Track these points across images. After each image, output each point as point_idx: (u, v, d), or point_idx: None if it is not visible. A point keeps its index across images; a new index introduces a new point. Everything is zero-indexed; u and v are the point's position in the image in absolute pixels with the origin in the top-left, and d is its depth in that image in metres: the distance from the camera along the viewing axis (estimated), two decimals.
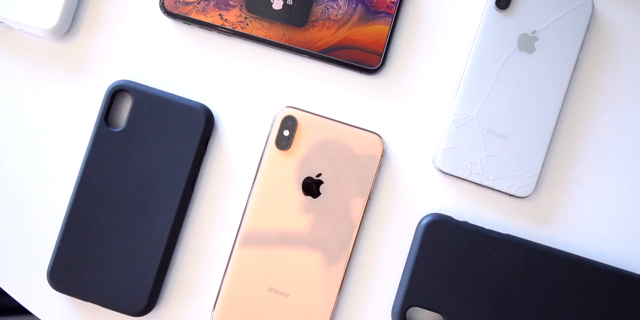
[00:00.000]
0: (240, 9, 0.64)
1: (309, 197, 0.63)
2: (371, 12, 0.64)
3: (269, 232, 0.63)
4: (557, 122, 0.63)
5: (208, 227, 0.65)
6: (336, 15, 0.64)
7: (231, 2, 0.64)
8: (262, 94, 0.66)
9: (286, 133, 0.63)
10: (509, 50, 0.63)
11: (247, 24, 0.64)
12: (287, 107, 0.64)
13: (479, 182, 0.63)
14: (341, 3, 0.64)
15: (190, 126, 0.64)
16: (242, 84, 0.66)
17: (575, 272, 0.62)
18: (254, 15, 0.64)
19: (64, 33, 0.66)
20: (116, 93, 0.65)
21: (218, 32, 0.65)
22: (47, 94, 0.66)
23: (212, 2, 0.64)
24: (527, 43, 0.63)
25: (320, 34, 0.64)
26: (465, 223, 0.63)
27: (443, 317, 0.62)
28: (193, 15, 0.64)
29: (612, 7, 0.65)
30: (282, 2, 0.64)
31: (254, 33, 0.64)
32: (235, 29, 0.64)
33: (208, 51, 0.66)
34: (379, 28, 0.64)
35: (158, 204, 0.63)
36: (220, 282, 0.64)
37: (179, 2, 0.64)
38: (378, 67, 0.64)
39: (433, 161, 0.64)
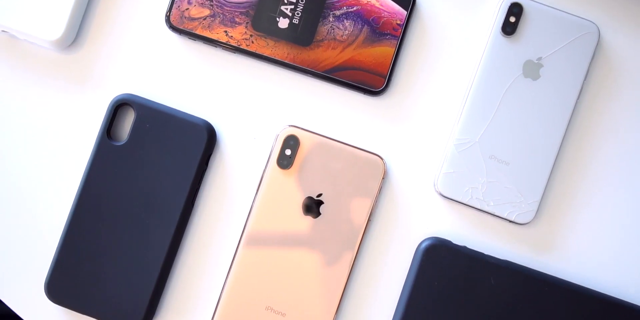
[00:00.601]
0: (246, 27, 0.64)
1: (309, 217, 0.63)
2: (377, 34, 0.64)
3: (268, 251, 0.63)
4: (559, 149, 0.63)
5: (207, 243, 0.65)
6: (342, 36, 0.64)
7: (237, 20, 0.64)
8: (265, 112, 0.66)
9: (288, 152, 0.63)
10: (513, 76, 0.63)
11: (253, 42, 0.64)
12: (289, 126, 0.64)
13: (479, 208, 0.63)
14: (347, 24, 0.64)
15: (193, 142, 0.64)
16: (246, 101, 0.66)
17: (573, 300, 0.62)
18: (260, 33, 0.64)
19: (69, 44, 0.66)
20: (119, 107, 0.65)
21: (223, 49, 0.65)
22: (50, 104, 0.66)
23: (218, 18, 0.64)
24: (532, 69, 0.63)
25: (325, 54, 0.64)
26: (464, 248, 0.63)
27: None
28: (198, 31, 0.64)
29: (618, 35, 0.65)
30: (288, 21, 0.64)
31: (259, 51, 0.64)
32: (240, 47, 0.64)
33: (212, 67, 0.66)
34: (384, 50, 0.64)
35: (158, 218, 0.63)
36: (217, 298, 0.64)
37: (185, 17, 0.64)
38: (382, 89, 0.64)
39: (434, 185, 0.64)
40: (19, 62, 0.67)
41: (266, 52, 0.64)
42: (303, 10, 0.64)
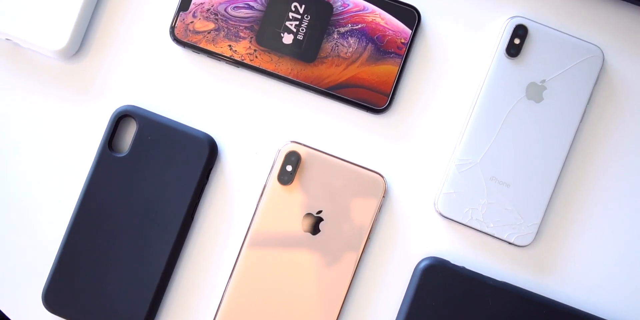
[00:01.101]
0: (250, 42, 0.64)
1: (308, 234, 0.63)
2: (381, 52, 0.64)
3: (267, 266, 0.63)
4: (560, 172, 0.63)
5: (205, 256, 0.65)
6: (346, 53, 0.64)
7: (241, 34, 0.64)
8: (267, 127, 0.66)
9: (289, 168, 0.63)
10: (516, 98, 0.63)
11: (256, 57, 0.64)
12: (291, 142, 0.64)
13: (479, 229, 0.63)
14: (351, 41, 0.64)
15: (194, 156, 0.64)
16: (248, 115, 0.66)
17: None
18: (264, 48, 0.64)
19: (73, 54, 0.66)
20: (121, 118, 0.65)
21: (226, 63, 0.65)
22: (53, 114, 0.66)
23: (223, 32, 0.64)
24: (535, 92, 0.63)
25: (329, 71, 0.64)
26: (463, 268, 0.62)
27: None
28: (202, 45, 0.64)
29: (622, 59, 0.65)
30: (292, 37, 0.64)
31: (263, 66, 0.64)
32: (244, 61, 0.64)
33: (216, 80, 0.66)
34: (388, 68, 0.64)
35: (157, 231, 0.63)
36: (215, 311, 0.64)
37: (189, 30, 0.64)
38: (385, 107, 0.64)
39: (434, 204, 0.64)
40: (22, 70, 0.67)
41: (270, 68, 0.64)
42: (308, 27, 0.64)
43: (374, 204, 0.63)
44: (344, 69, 0.64)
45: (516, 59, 0.63)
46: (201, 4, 0.64)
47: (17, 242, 0.66)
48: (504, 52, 0.63)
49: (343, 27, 0.64)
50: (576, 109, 0.63)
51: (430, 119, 0.65)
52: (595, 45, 0.63)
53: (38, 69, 0.67)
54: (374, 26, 0.64)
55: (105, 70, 0.67)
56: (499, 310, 0.62)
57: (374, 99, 0.64)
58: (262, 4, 0.64)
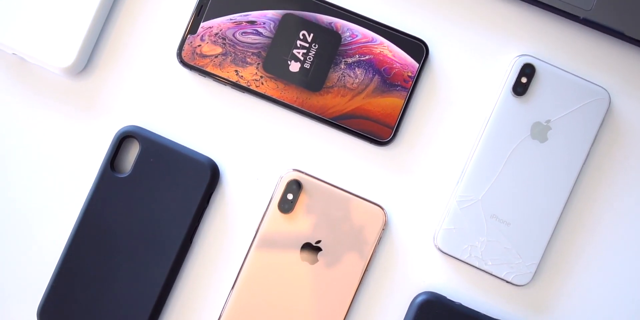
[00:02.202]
0: (257, 68, 0.64)
1: (306, 263, 0.63)
2: (387, 84, 0.64)
3: (263, 294, 0.63)
4: (561, 213, 0.63)
5: (203, 280, 0.65)
6: (352, 84, 0.64)
7: (248, 60, 0.64)
8: (270, 153, 0.66)
9: (290, 197, 0.63)
10: (521, 136, 0.63)
11: (262, 83, 0.64)
12: (293, 170, 0.64)
13: (477, 266, 0.63)
14: (358, 72, 0.64)
15: (195, 180, 0.63)
16: (252, 140, 0.66)
17: None
18: (270, 75, 0.64)
19: (79, 72, 0.66)
20: (124, 139, 0.64)
21: (232, 88, 0.65)
22: (56, 130, 0.66)
23: (230, 57, 0.64)
24: (540, 132, 0.63)
25: (334, 101, 0.64)
26: (459, 305, 0.62)
27: None
28: (209, 69, 0.64)
29: (629, 103, 0.65)
30: (299, 65, 0.64)
31: (268, 93, 0.64)
32: (250, 87, 0.64)
33: (221, 104, 0.66)
34: (394, 101, 0.64)
35: (155, 253, 0.63)
36: None
37: (197, 53, 0.64)
38: (389, 140, 0.64)
39: (434, 239, 0.64)
40: (28, 84, 0.67)
41: (275, 95, 0.64)
42: (315, 55, 0.64)
43: (373, 236, 0.63)
44: (350, 100, 0.64)
45: (522, 98, 0.63)
46: (210, 28, 0.64)
47: (15, 257, 0.66)
48: (511, 90, 0.63)
49: (350, 57, 0.64)
50: (580, 151, 0.63)
51: (433, 153, 0.65)
52: (603, 88, 0.63)
53: (44, 84, 0.67)
54: (381, 58, 0.64)
55: (111, 88, 0.66)
56: None
57: (378, 131, 0.64)
58: (270, 31, 0.64)
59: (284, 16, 0.64)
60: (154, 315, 0.63)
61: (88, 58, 0.66)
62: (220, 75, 0.64)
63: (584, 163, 0.63)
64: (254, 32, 0.64)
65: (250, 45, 0.64)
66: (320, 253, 0.63)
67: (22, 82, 0.67)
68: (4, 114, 0.67)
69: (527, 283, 0.63)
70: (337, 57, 0.64)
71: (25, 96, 0.66)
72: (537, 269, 0.63)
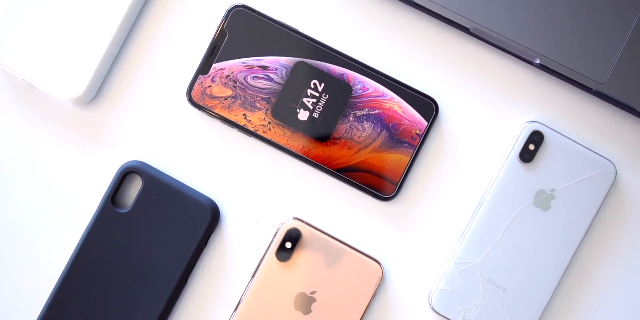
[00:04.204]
0: (266, 113, 0.64)
1: (300, 313, 0.63)
2: (394, 140, 0.64)
3: None
4: (559, 283, 0.63)
5: None
6: (359, 137, 0.64)
7: (258, 105, 0.64)
8: (272, 199, 0.65)
9: (288, 245, 0.63)
10: (524, 203, 0.63)
11: (270, 129, 0.64)
12: (294, 218, 0.64)
13: None
14: (366, 125, 0.64)
15: (195, 220, 0.63)
16: (255, 184, 0.66)
17: None
18: (278, 122, 0.64)
19: (87, 102, 0.66)
20: (127, 174, 0.64)
21: (239, 131, 0.65)
22: (59, 158, 0.66)
23: (239, 100, 0.64)
24: (543, 200, 0.63)
25: (340, 153, 0.64)
26: None
27: None
28: (217, 110, 0.64)
29: (635, 177, 0.65)
30: (308, 114, 0.64)
31: (275, 139, 0.64)
32: (257, 132, 0.64)
33: (226, 146, 0.66)
34: (399, 157, 0.64)
35: (149, 291, 0.63)
36: None
37: (206, 94, 0.64)
38: (392, 196, 0.64)
39: (429, 298, 0.63)
40: (35, 110, 0.66)
41: (281, 142, 0.64)
42: (325, 105, 0.64)
43: (368, 291, 0.63)
44: (356, 153, 0.64)
45: (528, 165, 0.63)
46: (221, 69, 0.64)
47: (7, 286, 0.65)
48: (518, 156, 0.63)
49: (360, 110, 0.64)
50: (582, 222, 0.63)
51: (435, 212, 0.65)
52: (610, 161, 0.63)
53: (52, 110, 0.66)
54: (390, 113, 0.64)
55: (118, 121, 0.66)
56: None
57: (382, 186, 0.64)
58: (282, 78, 0.64)
59: (297, 64, 0.64)
60: None
61: (98, 89, 0.66)
62: (228, 117, 0.64)
63: (585, 235, 0.63)
64: (266, 77, 0.64)
65: (261, 90, 0.64)
66: (314, 304, 0.63)
67: (30, 107, 0.66)
68: (9, 138, 0.66)
69: None
70: (346, 108, 0.64)
71: (32, 121, 0.66)
72: None
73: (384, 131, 0.64)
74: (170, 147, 0.66)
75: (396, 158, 0.64)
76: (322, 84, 0.64)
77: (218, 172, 0.66)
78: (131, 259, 0.63)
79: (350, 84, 0.64)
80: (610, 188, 0.63)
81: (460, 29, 0.64)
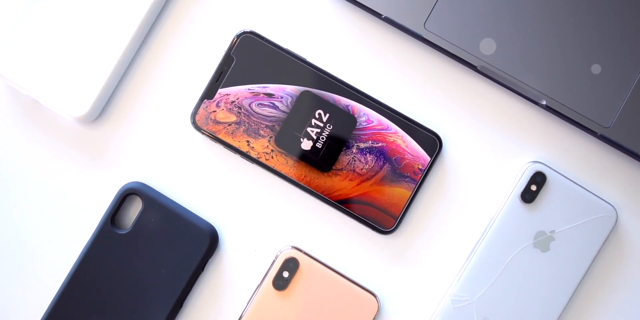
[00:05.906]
0: (269, 141, 0.64)
1: None
2: (397, 174, 0.64)
3: None
4: None
5: None
6: (361, 169, 0.64)
7: (261, 132, 0.64)
8: (272, 227, 0.65)
9: (285, 274, 0.63)
10: (523, 244, 0.62)
11: (272, 157, 0.64)
12: (292, 247, 0.64)
13: None
14: (369, 158, 0.64)
15: (194, 245, 0.63)
16: (255, 211, 0.66)
17: None
18: (281, 150, 0.64)
19: (92, 121, 0.66)
20: (128, 195, 0.64)
21: (242, 157, 0.65)
22: (61, 175, 0.66)
23: (243, 127, 0.64)
24: (543, 241, 0.62)
25: (342, 184, 0.64)
26: None
27: None
28: (221, 136, 0.64)
29: (635, 223, 0.65)
30: (311, 144, 0.64)
31: (277, 167, 0.64)
32: (259, 159, 0.64)
33: (228, 171, 0.66)
34: (401, 192, 0.64)
35: (144, 314, 0.63)
36: None
37: (211, 119, 0.64)
38: (391, 230, 0.64)
39: None
40: (38, 126, 0.66)
41: (283, 170, 0.64)
42: (328, 136, 0.64)
43: None
44: (357, 185, 0.64)
45: (529, 205, 0.63)
46: (227, 95, 0.64)
47: (1, 306, 0.65)
48: (519, 196, 0.63)
49: (363, 142, 0.64)
50: (581, 265, 0.62)
51: (434, 247, 0.65)
52: (611, 205, 0.63)
53: (56, 127, 0.66)
54: (394, 147, 0.64)
55: (121, 141, 0.66)
56: None
57: (382, 219, 0.64)
58: (287, 106, 0.64)
59: (302, 93, 0.64)
60: None
61: (102, 108, 0.66)
62: (231, 143, 0.64)
63: (583, 278, 0.63)
64: (271, 105, 0.64)
65: (265, 117, 0.64)
66: None
67: (33, 123, 0.66)
68: (10, 152, 0.66)
69: None
70: (350, 140, 0.64)
71: (35, 137, 0.66)
72: None
73: (387, 164, 0.64)
74: (172, 169, 0.66)
75: (398, 192, 0.64)
76: (327, 115, 0.64)
77: (219, 197, 0.66)
78: (128, 281, 0.63)
79: (355, 116, 0.64)
80: (611, 232, 0.63)
81: (468, 66, 0.64)
